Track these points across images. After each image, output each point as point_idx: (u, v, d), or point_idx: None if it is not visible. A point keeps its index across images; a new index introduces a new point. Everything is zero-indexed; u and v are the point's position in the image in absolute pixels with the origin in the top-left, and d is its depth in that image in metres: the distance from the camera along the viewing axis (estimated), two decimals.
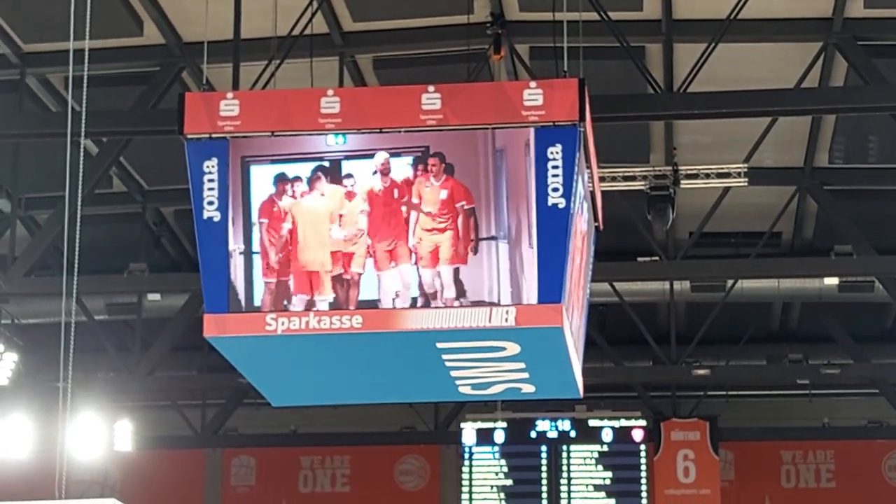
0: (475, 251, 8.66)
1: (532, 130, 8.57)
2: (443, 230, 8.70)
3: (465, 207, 8.67)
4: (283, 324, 8.70)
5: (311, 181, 8.80)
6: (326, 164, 8.82)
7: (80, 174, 10.69)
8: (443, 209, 8.70)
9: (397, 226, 8.75)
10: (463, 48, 14.41)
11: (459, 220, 8.67)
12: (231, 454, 27.13)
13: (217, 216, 8.76)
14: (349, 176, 8.78)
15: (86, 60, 10.34)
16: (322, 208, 8.81)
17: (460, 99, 8.76)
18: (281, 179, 8.79)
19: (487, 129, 8.67)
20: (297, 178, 8.80)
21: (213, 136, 8.82)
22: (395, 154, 8.77)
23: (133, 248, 19.50)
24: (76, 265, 10.30)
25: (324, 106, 8.78)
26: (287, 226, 8.79)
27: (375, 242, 8.74)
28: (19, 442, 20.40)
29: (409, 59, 15.36)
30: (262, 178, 8.83)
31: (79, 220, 10.31)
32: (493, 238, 8.70)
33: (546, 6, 11.97)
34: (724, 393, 24.65)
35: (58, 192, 11.58)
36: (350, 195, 8.77)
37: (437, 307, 8.62)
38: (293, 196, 8.80)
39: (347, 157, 8.83)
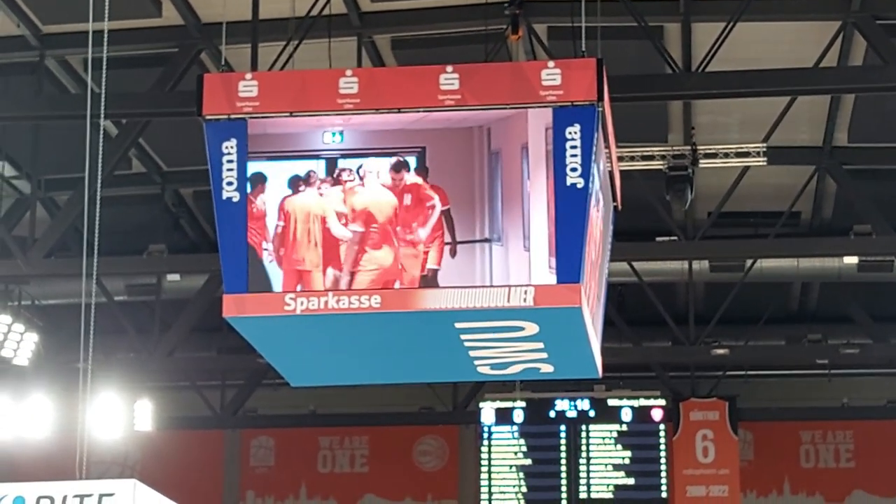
0: (452, 254, 8.72)
1: (550, 110, 8.57)
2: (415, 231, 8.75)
3: (441, 209, 8.72)
4: (301, 304, 8.72)
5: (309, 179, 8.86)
6: (323, 161, 8.86)
7: (100, 156, 10.68)
8: (417, 211, 8.74)
9: (384, 231, 8.81)
10: (481, 28, 14.38)
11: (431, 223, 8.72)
12: (250, 435, 27.21)
13: (236, 196, 8.79)
14: (345, 171, 8.83)
15: (105, 42, 10.38)
16: (320, 205, 8.86)
17: (478, 79, 8.77)
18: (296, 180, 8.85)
19: (505, 108, 8.68)
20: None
21: (232, 116, 8.85)
22: (386, 154, 8.81)
23: (152, 229, 19.56)
24: (96, 246, 10.34)
25: (342, 86, 8.79)
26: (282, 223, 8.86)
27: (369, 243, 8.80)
28: (40, 422, 20.52)
29: (427, 40, 15.36)
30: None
31: (98, 201, 10.31)
32: (486, 240, 8.75)
33: None
34: (743, 373, 24.60)
35: (77, 173, 11.58)
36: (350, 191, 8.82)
37: (455, 287, 8.64)
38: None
39: (344, 156, 8.87)
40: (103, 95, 10.64)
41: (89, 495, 9.27)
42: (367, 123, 8.89)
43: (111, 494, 9.25)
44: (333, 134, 8.88)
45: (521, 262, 8.63)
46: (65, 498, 9.23)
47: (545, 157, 8.59)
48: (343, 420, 25.79)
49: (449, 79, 8.72)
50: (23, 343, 19.80)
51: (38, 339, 19.90)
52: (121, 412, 20.45)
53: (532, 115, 8.68)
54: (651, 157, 16.07)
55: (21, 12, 15.16)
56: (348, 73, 8.93)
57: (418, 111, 8.76)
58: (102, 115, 10.70)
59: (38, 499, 9.24)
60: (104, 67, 10.55)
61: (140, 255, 19.05)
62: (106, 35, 10.42)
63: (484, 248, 8.75)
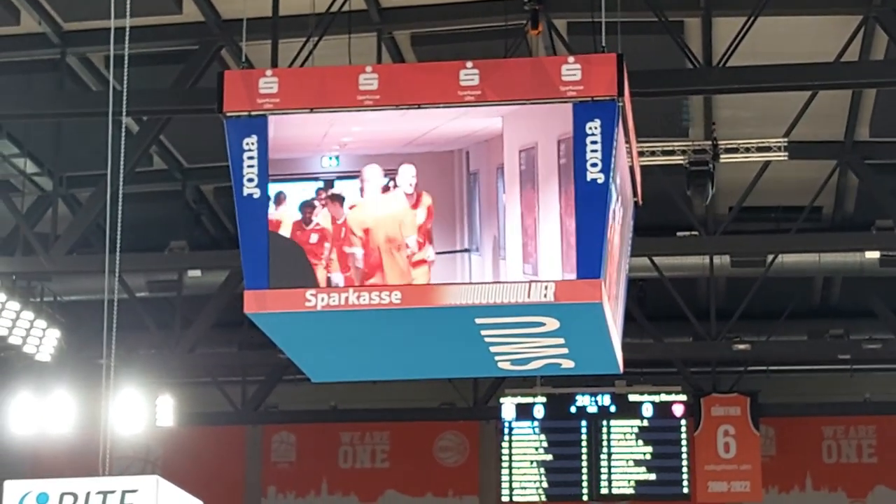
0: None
1: (570, 105, 8.57)
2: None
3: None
4: (322, 300, 8.73)
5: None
6: (322, 183, 8.93)
7: (121, 153, 10.73)
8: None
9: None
10: (501, 24, 14.37)
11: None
12: (271, 430, 27.29)
13: (257, 193, 8.80)
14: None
15: (126, 39, 10.42)
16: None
17: (498, 74, 8.77)
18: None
19: (526, 104, 8.68)
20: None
21: (253, 113, 8.85)
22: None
23: (173, 226, 19.61)
24: (118, 243, 10.39)
25: (362, 83, 8.80)
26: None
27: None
28: (62, 418, 20.61)
29: (447, 36, 15.37)
30: None
31: (120, 198, 10.35)
32: (465, 251, 8.85)
33: None
34: (764, 368, 24.59)
35: (99, 170, 11.66)
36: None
37: (476, 283, 8.66)
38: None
39: (340, 178, 8.96)
40: (125, 92, 10.67)
41: (112, 492, 9.31)
42: (362, 148, 8.96)
43: (134, 491, 9.29)
44: (330, 158, 8.94)
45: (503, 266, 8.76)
46: (88, 494, 9.27)
47: (543, 170, 8.68)
48: (364, 416, 25.82)
49: (469, 74, 8.72)
50: (45, 339, 19.87)
51: (61, 335, 19.96)
52: (142, 408, 20.54)
53: (507, 140, 8.79)
54: (672, 153, 16.03)
55: (42, 10, 15.21)
56: (368, 69, 8.93)
57: (438, 107, 8.77)
58: (124, 113, 10.73)
59: (62, 495, 9.28)
60: (125, 65, 10.60)
61: (161, 252, 19.11)
62: (127, 32, 10.46)
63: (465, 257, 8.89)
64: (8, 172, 19.02)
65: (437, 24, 15.31)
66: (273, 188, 8.85)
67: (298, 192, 8.94)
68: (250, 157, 8.82)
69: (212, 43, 15.31)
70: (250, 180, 8.81)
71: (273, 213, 8.86)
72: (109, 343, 11.58)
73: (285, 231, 8.89)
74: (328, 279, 8.83)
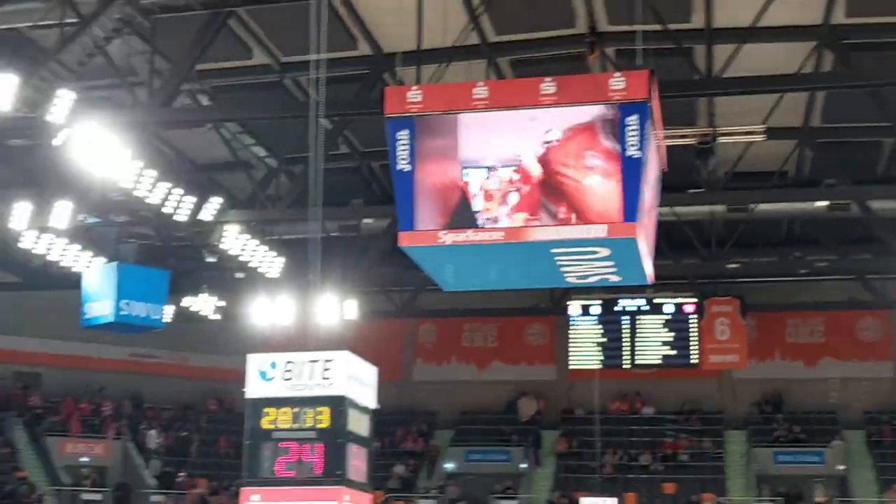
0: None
1: (618, 105, 8.42)
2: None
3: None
4: (450, 237, 8.69)
5: None
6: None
7: (319, 142, 10.78)
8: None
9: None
10: (570, 51, 14.23)
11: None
12: (420, 323, 27.62)
13: (407, 167, 8.77)
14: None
15: (323, 67, 10.43)
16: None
17: (568, 85, 8.61)
18: None
19: (585, 105, 8.52)
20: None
21: (404, 115, 8.80)
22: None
23: (354, 189, 19.76)
24: (320, 200, 10.48)
25: (475, 93, 8.69)
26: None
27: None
28: (284, 314, 20.92)
29: (533, 60, 15.15)
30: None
31: (321, 171, 10.43)
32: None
33: (627, 21, 11.70)
34: (749, 280, 24.17)
35: (306, 153, 11.72)
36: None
37: (553, 225, 8.56)
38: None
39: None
40: (322, 103, 10.71)
41: (317, 360, 9.42)
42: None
43: (331, 360, 9.39)
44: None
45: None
46: (303, 362, 9.39)
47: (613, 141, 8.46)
48: (479, 312, 25.93)
49: (548, 86, 8.57)
50: (274, 263, 20.19)
51: (284, 261, 20.24)
52: (336, 308, 20.76)
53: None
54: (685, 136, 15.69)
55: (267, 48, 15.35)
56: (480, 83, 8.83)
57: (525, 108, 8.62)
58: (322, 115, 10.78)
59: (286, 363, 9.40)
60: (323, 84, 10.60)
61: (346, 206, 19.35)
62: (324, 63, 10.47)
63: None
64: (249, 156, 19.33)
65: (527, 51, 15.10)
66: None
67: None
68: (403, 144, 8.76)
69: (377, 67, 15.29)
70: (403, 159, 8.77)
71: (421, 178, 8.79)
72: (315, 264, 11.72)
73: (427, 191, 8.83)
74: (455, 223, 8.78)
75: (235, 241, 18.82)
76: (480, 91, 8.70)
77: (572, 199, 8.52)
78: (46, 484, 23.90)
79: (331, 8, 12.10)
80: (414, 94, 8.80)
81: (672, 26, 13.39)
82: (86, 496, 24.09)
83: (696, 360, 22.64)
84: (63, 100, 13.17)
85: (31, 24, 13.53)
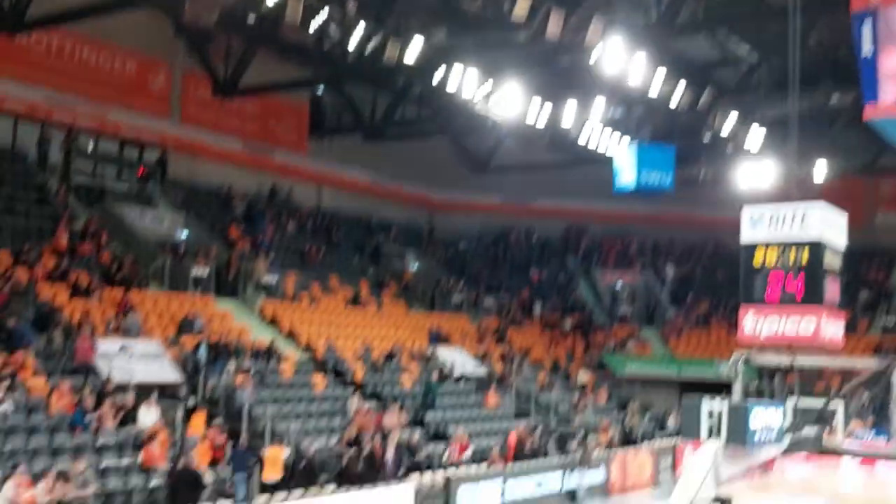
0: None
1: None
2: None
3: None
4: None
5: None
6: None
7: (796, 37, 10.34)
8: None
9: None
10: None
11: None
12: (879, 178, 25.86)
13: (870, 54, 8.83)
14: None
15: None
16: None
17: None
18: None
19: None
20: None
21: (867, 10, 8.85)
22: None
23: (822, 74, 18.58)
24: (796, 85, 9.51)
25: None
26: None
27: None
28: (766, 177, 21.08)
29: None
30: None
31: (798, 60, 9.82)
32: None
33: None
34: None
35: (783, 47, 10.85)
36: None
37: None
38: None
39: None
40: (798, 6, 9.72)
41: (796, 210, 8.97)
42: None
43: (809, 210, 8.90)
44: None
45: None
46: (786, 212, 8.98)
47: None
48: None
49: None
50: (755, 139, 20.27)
51: (763, 135, 20.14)
52: (809, 169, 20.44)
53: None
54: None
55: None
56: None
57: None
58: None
59: (772, 212, 9.09)
60: None
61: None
62: None
63: None
64: (736, 53, 18.94)
65: None
66: None
67: None
68: (866, 34, 8.79)
69: None
70: (867, 47, 8.83)
71: (883, 61, 8.69)
72: (793, 136, 10.73)
73: (888, 73, 8.75)
74: None
75: (728, 124, 19.44)
76: None
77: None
78: (593, 304, 27.65)
79: None
80: None
81: None
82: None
83: None
84: (596, 25, 15.45)
85: None
